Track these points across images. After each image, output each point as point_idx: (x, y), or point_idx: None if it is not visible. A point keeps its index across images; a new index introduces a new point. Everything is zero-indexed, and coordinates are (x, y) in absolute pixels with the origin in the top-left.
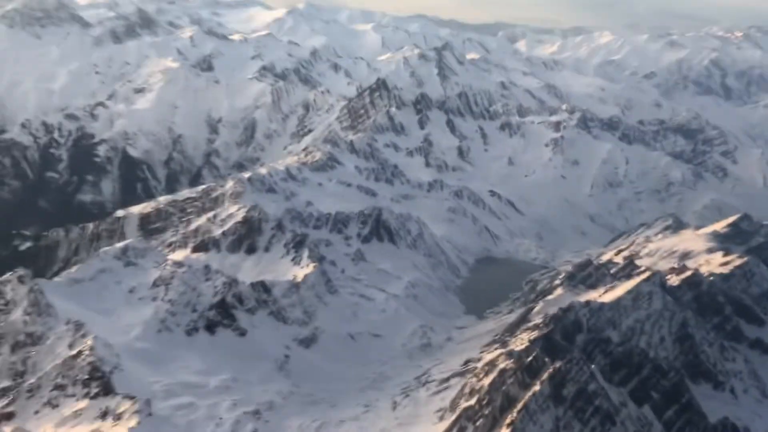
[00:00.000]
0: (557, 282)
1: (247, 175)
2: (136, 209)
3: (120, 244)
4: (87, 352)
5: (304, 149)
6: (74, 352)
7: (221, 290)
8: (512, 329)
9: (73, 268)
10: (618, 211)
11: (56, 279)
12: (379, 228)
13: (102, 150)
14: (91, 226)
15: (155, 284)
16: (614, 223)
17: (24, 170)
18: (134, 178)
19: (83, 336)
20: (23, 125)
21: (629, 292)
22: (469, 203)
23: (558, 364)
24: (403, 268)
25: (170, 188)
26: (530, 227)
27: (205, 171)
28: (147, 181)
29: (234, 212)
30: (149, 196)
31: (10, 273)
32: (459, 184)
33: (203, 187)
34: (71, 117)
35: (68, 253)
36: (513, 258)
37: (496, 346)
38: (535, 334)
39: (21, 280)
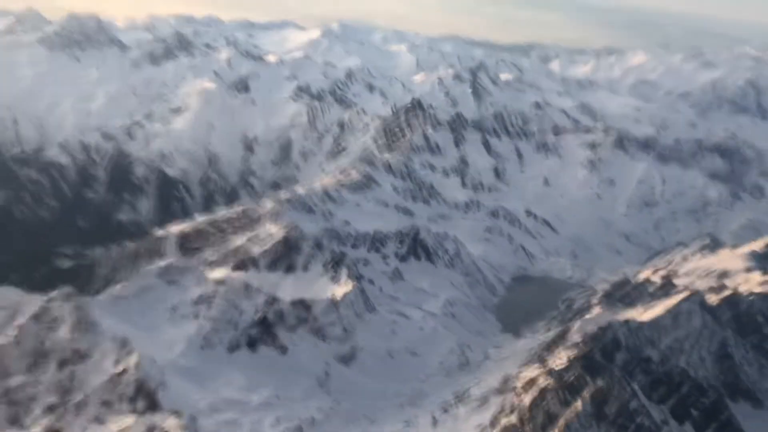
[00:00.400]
0: (595, 300)
1: (285, 194)
2: (175, 228)
3: (162, 263)
4: (133, 369)
5: (340, 169)
6: (120, 368)
7: (262, 308)
8: (550, 347)
9: (117, 286)
10: (654, 231)
11: (100, 297)
12: (416, 247)
13: (139, 169)
14: (131, 244)
15: (197, 302)
16: (650, 242)
17: (62, 189)
18: (171, 197)
19: (129, 353)
20: (61, 145)
21: (669, 311)
22: (505, 223)
23: (600, 383)
24: (441, 286)
25: (206, 207)
26: (565, 246)
27: (241, 190)
28: (183, 200)
29: (273, 232)
30: (186, 215)
31: (56, 291)
32: (495, 203)
33: (241, 206)
34: (108, 137)
35: (108, 271)
36: (549, 277)
37: (535, 364)
38: (574, 352)
39: (67, 297)
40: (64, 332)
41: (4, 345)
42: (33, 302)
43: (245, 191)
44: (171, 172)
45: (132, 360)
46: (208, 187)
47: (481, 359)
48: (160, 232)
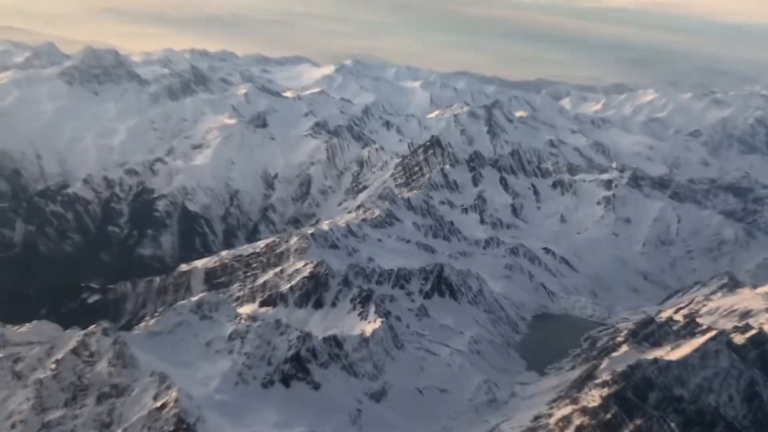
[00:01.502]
0: (620, 339)
1: (310, 230)
2: (200, 263)
3: (195, 298)
4: (172, 404)
5: (359, 206)
6: (159, 403)
7: (295, 344)
8: (579, 385)
9: (151, 321)
10: (671, 269)
11: (135, 332)
12: (440, 284)
13: (161, 205)
14: (157, 279)
15: (231, 337)
16: (667, 281)
17: (86, 224)
18: (193, 233)
19: (168, 388)
20: (85, 180)
21: (696, 350)
22: (524, 260)
23: (638, 421)
24: (465, 323)
25: (227, 243)
26: (584, 284)
27: (262, 226)
28: (205, 235)
29: (300, 267)
30: (207, 250)
31: (95, 325)
32: (514, 241)
33: (267, 242)
34: (132, 172)
35: (135, 306)
36: (569, 314)
37: (566, 402)
38: (606, 391)
39: (105, 332)
40: (102, 366)
41: (43, 379)
42: (71, 336)
43: (266, 227)
44: (193, 207)
45: (171, 395)
46: (229, 223)
47: (508, 396)
48: (184, 267)
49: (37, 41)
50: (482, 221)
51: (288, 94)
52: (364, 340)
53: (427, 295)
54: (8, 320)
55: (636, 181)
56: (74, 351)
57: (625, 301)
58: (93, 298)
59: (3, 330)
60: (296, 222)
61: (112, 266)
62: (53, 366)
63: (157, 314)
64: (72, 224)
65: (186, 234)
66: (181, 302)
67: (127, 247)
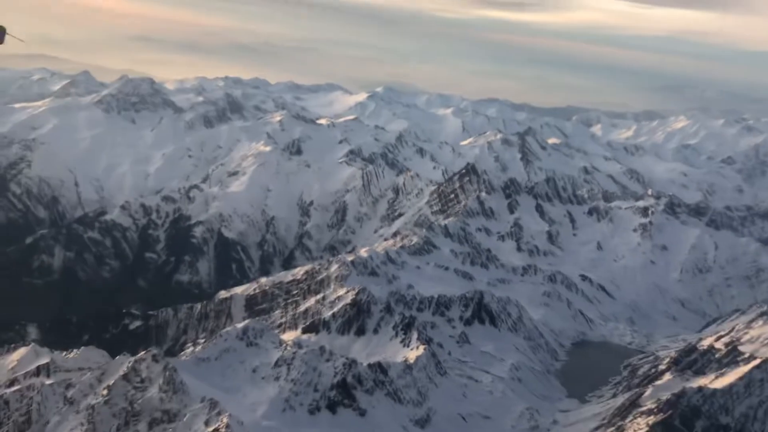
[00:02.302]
0: (663, 367)
1: (350, 258)
2: (239, 290)
3: (240, 325)
4: (224, 430)
5: (395, 233)
6: (210, 429)
7: (341, 371)
8: (622, 414)
9: (198, 348)
10: (709, 297)
11: (183, 358)
12: (480, 311)
13: (198, 231)
14: (198, 306)
15: (277, 364)
16: (705, 308)
17: (124, 250)
18: (229, 259)
19: (218, 414)
20: (123, 207)
21: (741, 378)
22: (562, 287)
23: None
24: (506, 350)
25: (264, 269)
26: (622, 312)
27: (298, 253)
28: (242, 262)
29: (342, 295)
30: (244, 276)
31: (144, 352)
32: (551, 268)
33: (306, 268)
34: (168, 199)
35: (177, 332)
36: (608, 342)
37: (611, 429)
38: (653, 419)
39: (155, 358)
40: (153, 392)
41: (95, 405)
42: (121, 363)
43: (302, 254)
44: (229, 234)
45: (222, 420)
46: (265, 250)
47: (550, 424)
48: (224, 294)
49: (71, 69)
50: (519, 248)
51: (322, 121)
52: (408, 367)
53: (468, 322)
54: (52, 346)
55: (672, 208)
56: (125, 377)
57: (663, 329)
58: (134, 324)
59: (53, 356)
60: (332, 249)
61: (150, 292)
62: (105, 392)
63: (200, 340)
64: (110, 251)
65: (222, 260)
66: (227, 329)
67: (165, 273)
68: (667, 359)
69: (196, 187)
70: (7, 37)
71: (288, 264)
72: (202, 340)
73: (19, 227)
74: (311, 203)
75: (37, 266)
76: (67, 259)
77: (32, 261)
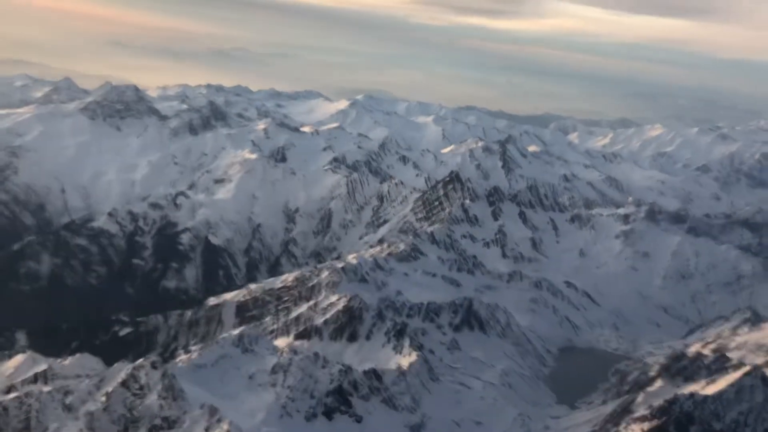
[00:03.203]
0: (652, 374)
1: (340, 265)
2: (229, 296)
3: (236, 332)
4: None
5: (380, 239)
6: None
7: (337, 377)
8: (615, 419)
9: (193, 354)
10: (691, 304)
11: (180, 365)
12: (470, 317)
13: (185, 238)
14: (188, 312)
15: (274, 371)
16: (687, 315)
17: (111, 257)
18: (216, 266)
19: (218, 420)
20: (110, 214)
21: (732, 385)
22: (548, 294)
23: None
24: (495, 356)
25: (250, 276)
26: (606, 318)
27: (284, 259)
28: (228, 268)
29: (334, 301)
30: (231, 283)
31: (143, 359)
32: (536, 275)
33: (297, 275)
34: (155, 206)
35: (167, 338)
36: (595, 348)
37: None
38: (647, 425)
39: (153, 365)
40: (152, 399)
41: (94, 411)
42: (119, 370)
43: (288, 261)
44: (216, 241)
45: (223, 427)
46: (251, 256)
47: (542, 429)
48: (213, 301)
49: (50, 75)
50: (504, 255)
51: (306, 129)
52: (402, 374)
53: (457, 329)
54: (42, 352)
55: (653, 215)
56: (123, 384)
57: (647, 335)
58: (124, 331)
59: (51, 363)
60: (318, 255)
61: (137, 299)
62: (103, 399)
63: (192, 347)
64: (97, 257)
65: (209, 267)
66: (223, 336)
67: (152, 279)
68: (657, 366)
69: (182, 194)
70: None
71: (274, 270)
72: (194, 347)
73: (5, 233)
74: (297, 210)
75: (25, 272)
76: (54, 266)
77: (19, 267)
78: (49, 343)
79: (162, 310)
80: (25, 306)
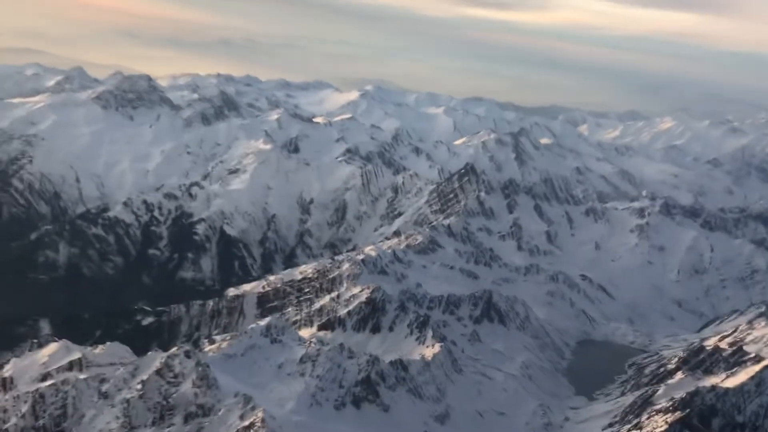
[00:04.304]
0: (671, 366)
1: (360, 257)
2: (249, 287)
3: (263, 322)
4: (259, 424)
5: (395, 231)
6: (246, 423)
7: (365, 368)
8: (636, 411)
9: (223, 344)
10: (705, 298)
11: (210, 354)
12: (489, 310)
13: (201, 228)
14: (210, 303)
15: (302, 360)
16: (701, 309)
17: (127, 247)
18: (232, 256)
19: (253, 408)
20: (125, 204)
21: (752, 378)
22: (564, 287)
23: None
24: (515, 348)
25: (266, 266)
26: (621, 311)
27: (299, 250)
28: (244, 259)
29: (357, 293)
30: (246, 274)
31: (176, 348)
32: (552, 268)
33: (318, 267)
34: (170, 196)
35: (190, 328)
36: (611, 341)
37: (627, 427)
38: (670, 417)
39: (187, 354)
40: (187, 387)
41: (130, 399)
42: (153, 358)
43: (303, 251)
44: (231, 231)
45: (258, 415)
46: (267, 247)
47: (562, 421)
48: (233, 291)
49: (60, 64)
50: (520, 248)
51: (318, 119)
52: (426, 364)
53: (477, 321)
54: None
55: (668, 209)
56: (158, 372)
57: (661, 329)
58: (147, 321)
59: (85, 351)
60: (333, 247)
61: (155, 289)
62: (139, 386)
63: (215, 337)
64: (113, 247)
65: (225, 257)
66: (252, 326)
67: (168, 270)
68: (675, 359)
69: (196, 184)
70: None
71: (289, 261)
72: (217, 337)
73: (21, 223)
74: (311, 201)
75: (42, 262)
76: (71, 255)
77: (37, 257)
78: (72, 332)
79: (179, 300)
80: (45, 295)
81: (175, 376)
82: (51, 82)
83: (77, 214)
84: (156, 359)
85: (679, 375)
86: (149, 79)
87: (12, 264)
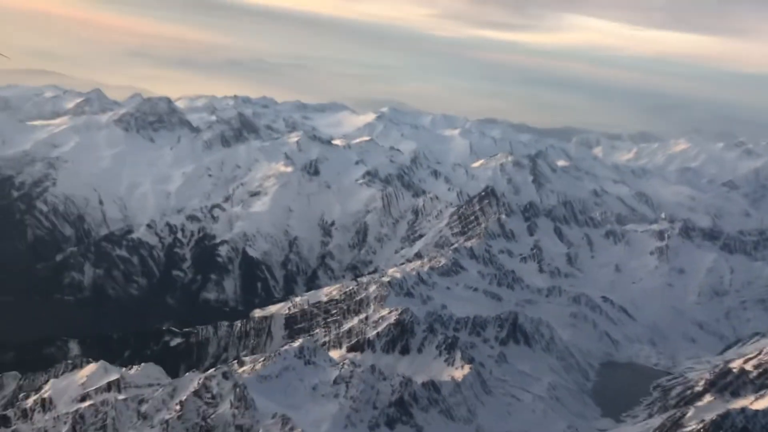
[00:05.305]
0: (699, 389)
1: (386, 279)
2: (274, 309)
3: (296, 344)
4: None
5: (417, 253)
6: None
7: (398, 389)
8: None
9: (257, 365)
10: (725, 320)
11: (246, 375)
12: (515, 331)
13: (223, 250)
14: (238, 324)
15: (336, 382)
16: (722, 331)
17: (151, 268)
18: (254, 278)
19: (291, 429)
20: (149, 226)
21: None
22: (587, 309)
23: None
24: (541, 370)
25: (288, 288)
26: (643, 333)
27: (321, 272)
28: (266, 280)
29: (385, 315)
30: (269, 295)
31: (214, 369)
32: (574, 289)
33: (343, 288)
34: (193, 218)
35: (218, 349)
36: (634, 363)
37: None
38: None
39: (225, 375)
40: (225, 408)
41: (169, 420)
42: (191, 379)
43: (325, 273)
44: (254, 253)
45: None
46: (289, 269)
47: None
48: (260, 313)
49: (75, 85)
50: (541, 270)
51: (337, 142)
52: (457, 385)
53: (503, 342)
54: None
55: (687, 232)
56: (196, 393)
57: (683, 351)
58: (175, 342)
59: (123, 372)
60: (354, 269)
61: (179, 310)
62: (177, 407)
63: (244, 358)
64: (138, 268)
65: (248, 279)
66: (285, 347)
67: (192, 291)
68: (702, 381)
69: (218, 206)
70: None
71: (312, 283)
72: (246, 358)
73: (46, 244)
74: (332, 223)
75: (68, 283)
76: (96, 277)
77: (63, 278)
78: (101, 353)
79: (203, 321)
80: (71, 316)
81: (213, 397)
82: (71, 105)
83: (101, 235)
84: (193, 380)
85: (708, 397)
86: (169, 101)
87: (38, 285)
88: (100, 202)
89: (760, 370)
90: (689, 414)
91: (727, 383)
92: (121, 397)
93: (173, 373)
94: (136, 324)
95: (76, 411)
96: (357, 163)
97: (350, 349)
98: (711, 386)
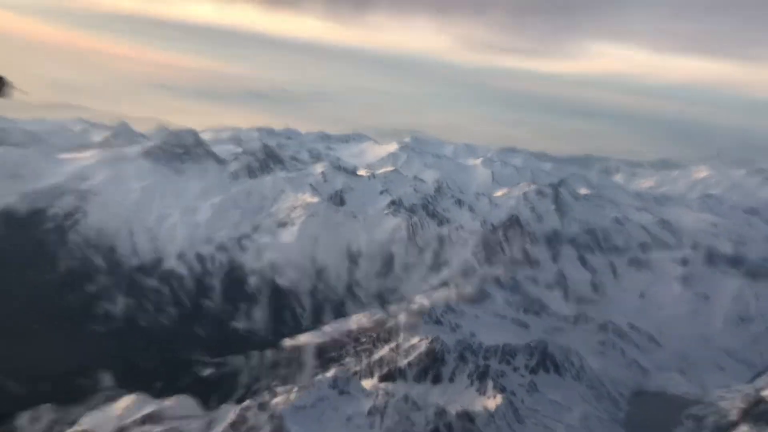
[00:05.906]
0: (733, 418)
1: (415, 307)
2: (305, 338)
3: (329, 374)
4: None
5: (443, 282)
6: None
7: (433, 420)
8: None
9: (292, 396)
10: (753, 346)
11: (281, 406)
12: (545, 360)
13: (252, 280)
14: (269, 353)
15: (370, 413)
16: (751, 358)
17: (181, 298)
18: (283, 307)
19: None
20: (179, 256)
21: None
22: (615, 336)
23: None
24: (572, 399)
25: (316, 317)
26: (671, 360)
27: (348, 301)
28: (294, 309)
29: (416, 343)
30: (297, 324)
31: (250, 400)
32: (601, 317)
33: (373, 317)
34: (222, 249)
35: (249, 379)
36: (665, 392)
37: None
38: None
39: (261, 407)
40: None
41: None
42: (227, 411)
43: (352, 302)
44: (282, 282)
45: None
46: (317, 298)
47: None
48: (290, 342)
49: (99, 118)
50: (566, 297)
51: (362, 172)
52: (491, 416)
53: (533, 371)
54: (127, 392)
55: (710, 258)
56: (233, 425)
57: (712, 379)
58: (207, 371)
59: (160, 405)
60: (380, 297)
61: (209, 339)
62: None
63: (276, 388)
64: (168, 298)
65: (277, 308)
66: (318, 378)
67: (221, 321)
68: (736, 410)
69: (247, 236)
70: (11, 90)
71: (339, 312)
72: (278, 388)
73: (78, 275)
74: (359, 253)
75: (101, 314)
76: (128, 307)
77: (95, 308)
78: (133, 383)
79: (233, 351)
80: (103, 346)
81: (250, 429)
82: (98, 138)
83: (133, 266)
84: (230, 412)
85: (743, 427)
86: (195, 133)
87: (70, 316)
88: (131, 234)
89: None
90: None
91: (761, 412)
92: (157, 429)
93: (205, 403)
94: (167, 354)
95: None
96: (382, 192)
97: (382, 379)
98: (745, 415)
